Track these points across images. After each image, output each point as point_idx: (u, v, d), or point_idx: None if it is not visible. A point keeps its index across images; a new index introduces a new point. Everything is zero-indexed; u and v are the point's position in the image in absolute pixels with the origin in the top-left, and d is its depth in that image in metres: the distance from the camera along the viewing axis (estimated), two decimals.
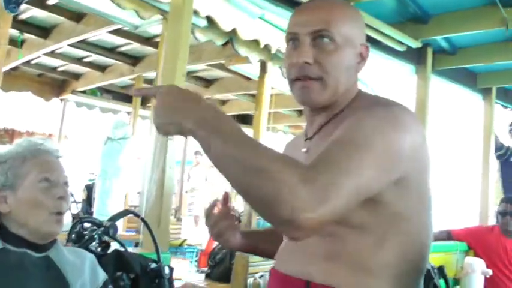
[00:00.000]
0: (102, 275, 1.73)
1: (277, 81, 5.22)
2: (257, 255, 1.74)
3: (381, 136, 1.12)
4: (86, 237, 1.97)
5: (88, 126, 9.86)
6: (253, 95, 7.69)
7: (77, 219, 1.98)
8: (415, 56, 4.82)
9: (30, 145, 1.65)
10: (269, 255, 1.55)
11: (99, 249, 1.97)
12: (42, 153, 1.65)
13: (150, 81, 7.19)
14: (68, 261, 1.65)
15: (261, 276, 3.76)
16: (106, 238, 2.03)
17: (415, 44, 4.42)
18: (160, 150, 2.73)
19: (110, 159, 5.72)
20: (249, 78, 6.43)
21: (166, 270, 2.01)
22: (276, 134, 9.56)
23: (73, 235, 1.95)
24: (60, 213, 1.59)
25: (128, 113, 8.12)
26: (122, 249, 2.07)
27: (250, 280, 3.74)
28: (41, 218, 1.56)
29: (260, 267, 3.81)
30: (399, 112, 1.20)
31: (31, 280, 1.54)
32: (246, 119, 9.33)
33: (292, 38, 1.34)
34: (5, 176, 1.60)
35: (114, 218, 2.03)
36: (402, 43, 4.38)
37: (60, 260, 1.63)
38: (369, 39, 4.24)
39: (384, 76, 6.31)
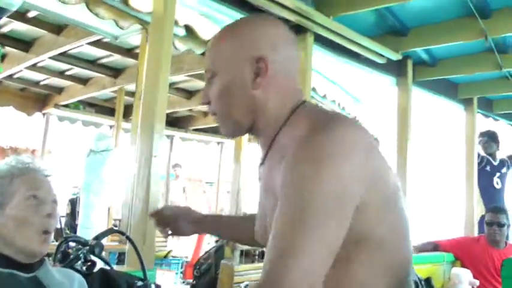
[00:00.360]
0: None
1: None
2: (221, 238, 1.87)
3: (321, 195, 1.06)
4: (72, 256, 1.96)
5: (70, 140, 9.77)
6: None
7: (63, 239, 1.96)
8: (395, 68, 4.90)
9: (18, 163, 1.65)
10: (232, 239, 1.63)
11: (84, 268, 1.95)
12: (31, 171, 1.65)
13: (132, 94, 7.15)
14: (56, 281, 1.64)
15: (246, 286, 3.77)
16: (91, 257, 2.03)
17: (395, 56, 4.49)
18: (144, 166, 2.72)
19: (93, 172, 5.68)
20: None
21: (152, 287, 2.01)
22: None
23: (59, 255, 1.94)
24: (47, 232, 1.58)
25: (111, 126, 8.06)
26: (108, 267, 2.06)
27: None
28: (27, 237, 1.55)
29: (246, 276, 3.83)
30: (335, 143, 1.11)
31: None
32: None
33: None
34: None
35: (99, 237, 2.02)
36: (382, 55, 4.44)
37: (48, 281, 1.62)
38: (350, 52, 4.30)
39: (366, 88, 6.38)
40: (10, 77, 6.94)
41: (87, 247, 1.98)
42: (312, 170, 1.08)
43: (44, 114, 8.03)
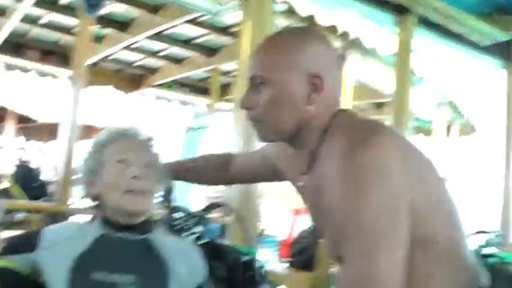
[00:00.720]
0: (203, 271, 1.69)
1: (358, 70, 5.03)
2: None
3: (380, 219, 1.14)
4: (178, 227, 1.95)
5: (167, 119, 9.99)
6: None
7: (170, 209, 1.95)
8: (503, 50, 4.54)
9: (115, 130, 1.70)
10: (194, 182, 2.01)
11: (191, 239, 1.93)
12: (122, 137, 1.68)
13: (226, 73, 7.18)
14: (168, 246, 1.64)
15: None
16: (198, 228, 2.01)
17: (503, 36, 4.16)
18: (245, 147, 2.69)
19: (191, 148, 5.75)
20: None
21: (259, 263, 1.96)
22: None
23: (166, 225, 1.93)
24: (133, 192, 1.58)
25: (207, 105, 8.15)
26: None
27: (334, 268, 3.67)
28: (117, 198, 1.58)
29: None
30: (377, 160, 1.18)
31: (131, 263, 1.56)
32: None
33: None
34: (93, 162, 1.65)
35: (206, 209, 2.00)
36: (489, 36, 4.14)
37: (160, 245, 1.63)
38: (451, 33, 4.04)
39: (467, 71, 6.00)
40: (106, 58, 7.13)
41: (194, 218, 1.96)
42: (363, 197, 1.15)
43: (140, 94, 8.22)
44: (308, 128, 1.35)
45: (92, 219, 1.68)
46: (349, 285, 1.14)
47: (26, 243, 1.60)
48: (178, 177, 1.95)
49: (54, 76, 7.36)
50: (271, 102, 1.32)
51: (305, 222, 6.85)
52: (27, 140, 18.83)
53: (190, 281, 1.62)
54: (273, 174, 1.72)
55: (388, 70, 5.15)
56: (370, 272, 1.11)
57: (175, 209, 1.99)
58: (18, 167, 7.28)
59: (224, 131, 7.30)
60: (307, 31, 1.44)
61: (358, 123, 1.34)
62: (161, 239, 1.66)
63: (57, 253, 1.58)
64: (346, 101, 4.72)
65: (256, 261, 1.95)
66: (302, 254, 4.66)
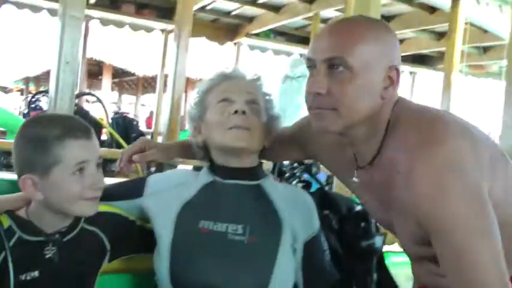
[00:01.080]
0: (317, 221, 1.60)
1: (471, 11, 4.66)
2: None
3: (474, 216, 1.17)
4: (287, 174, 1.87)
5: (262, 68, 9.99)
6: (434, 32, 7.14)
7: None
8: None
9: (217, 74, 1.65)
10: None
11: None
12: (227, 78, 1.62)
13: (326, 21, 6.95)
14: (282, 195, 1.58)
15: None
16: (306, 177, 1.93)
17: None
18: None
19: (289, 97, 5.64)
20: (433, 11, 5.90)
21: None
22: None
23: (274, 172, 1.85)
24: (235, 127, 1.51)
25: (301, 54, 8.01)
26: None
27: None
28: (220, 136, 1.52)
29: None
30: (455, 157, 1.19)
31: (242, 211, 1.52)
32: (424, 60, 8.76)
33: (310, 65, 1.29)
34: (198, 108, 1.62)
35: None
36: None
37: (273, 192, 1.58)
38: None
39: None
40: (203, 8, 7.10)
41: (303, 166, 1.87)
42: (449, 197, 1.16)
43: (235, 43, 8.21)
44: (373, 121, 1.30)
45: (198, 168, 1.66)
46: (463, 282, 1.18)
47: (131, 190, 1.62)
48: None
49: (147, 30, 7.43)
50: (354, 90, 1.24)
51: None
52: (121, 94, 19.54)
53: (303, 231, 1.55)
54: (297, 157, 1.74)
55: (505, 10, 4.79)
56: (479, 265, 1.15)
57: None
58: (117, 118, 7.47)
59: None
60: (384, 23, 1.40)
61: (422, 114, 1.32)
62: (273, 185, 1.60)
63: (164, 200, 1.58)
64: (456, 44, 4.40)
65: None
66: None
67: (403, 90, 8.89)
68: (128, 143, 6.78)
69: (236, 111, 1.51)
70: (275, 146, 1.67)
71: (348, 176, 1.48)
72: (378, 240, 1.83)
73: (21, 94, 19.83)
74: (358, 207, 1.86)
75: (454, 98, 4.21)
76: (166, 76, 6.11)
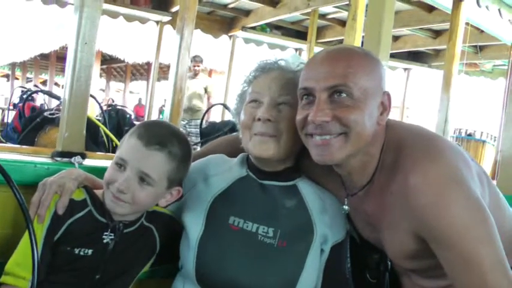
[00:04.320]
0: (346, 227, 1.60)
1: (472, 13, 4.67)
2: None
3: (481, 225, 1.23)
4: None
5: (256, 62, 9.91)
6: (431, 30, 7.14)
7: None
8: None
9: (261, 64, 1.58)
10: None
11: None
12: (266, 71, 1.55)
13: (323, 16, 6.92)
14: (316, 197, 1.56)
15: None
16: None
17: None
18: None
19: None
20: (431, 10, 5.91)
21: None
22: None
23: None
24: (258, 134, 1.47)
25: (296, 49, 7.97)
26: None
27: None
28: (247, 140, 1.51)
29: None
30: (451, 172, 1.25)
31: (273, 211, 1.51)
32: (419, 57, 8.76)
33: (307, 94, 1.32)
34: (239, 101, 1.60)
35: None
36: None
37: (307, 193, 1.56)
38: None
39: None
40: (199, 1, 6.98)
41: None
42: (457, 207, 1.21)
43: (230, 36, 8.13)
44: (370, 147, 1.34)
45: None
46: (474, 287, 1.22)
47: None
48: None
49: (142, 21, 7.36)
50: (361, 116, 1.27)
51: None
52: (108, 81, 19.34)
53: (333, 234, 1.54)
54: None
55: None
56: (487, 268, 1.20)
57: None
58: (110, 111, 7.38)
59: None
60: (372, 53, 1.42)
61: (415, 136, 1.36)
62: (309, 185, 1.58)
63: (198, 192, 1.57)
64: (457, 45, 4.38)
65: None
66: None
67: (398, 86, 8.92)
68: (121, 137, 6.70)
69: (259, 119, 1.47)
70: None
71: (340, 205, 1.55)
72: None
73: (7, 80, 19.54)
74: None
75: (453, 98, 4.20)
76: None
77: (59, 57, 13.45)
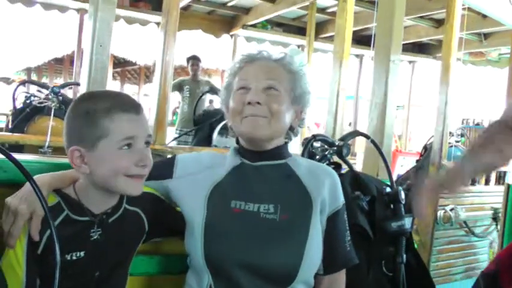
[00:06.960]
0: (341, 198, 1.59)
1: None
2: None
3: None
4: (318, 156, 1.86)
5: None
6: (432, 19, 7.12)
7: (310, 137, 1.84)
8: None
9: (244, 55, 1.60)
10: None
11: None
12: (250, 60, 1.58)
13: (323, 10, 6.92)
14: (307, 171, 1.58)
15: (451, 209, 3.65)
16: (336, 159, 1.92)
17: None
18: None
19: None
20: None
21: (402, 195, 1.83)
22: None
23: (305, 154, 1.83)
24: (249, 117, 1.49)
25: (299, 46, 7.97)
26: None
27: (440, 212, 3.63)
28: (238, 124, 1.53)
29: (450, 199, 3.68)
30: None
31: (272, 190, 1.53)
32: (424, 48, 8.73)
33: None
34: (225, 92, 1.63)
35: (345, 138, 1.89)
36: None
37: (298, 169, 1.58)
38: None
39: None
40: (198, 0, 7.02)
41: (334, 148, 1.86)
42: None
43: (231, 35, 8.14)
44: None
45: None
46: None
47: (162, 171, 1.59)
48: None
49: (142, 23, 7.37)
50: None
51: (403, 166, 6.70)
52: (123, 84, 19.31)
53: (329, 205, 1.55)
54: None
55: None
56: None
57: (316, 137, 1.88)
58: None
59: (321, 69, 7.15)
60: None
61: None
62: (299, 162, 1.60)
63: (194, 182, 1.57)
64: (454, 30, 4.30)
65: (402, 193, 1.83)
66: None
67: (403, 80, 8.86)
68: None
69: (249, 103, 1.50)
70: None
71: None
72: (407, 221, 1.83)
73: (24, 85, 19.60)
74: (388, 189, 1.86)
75: (452, 87, 4.08)
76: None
77: (72, 61, 13.56)
